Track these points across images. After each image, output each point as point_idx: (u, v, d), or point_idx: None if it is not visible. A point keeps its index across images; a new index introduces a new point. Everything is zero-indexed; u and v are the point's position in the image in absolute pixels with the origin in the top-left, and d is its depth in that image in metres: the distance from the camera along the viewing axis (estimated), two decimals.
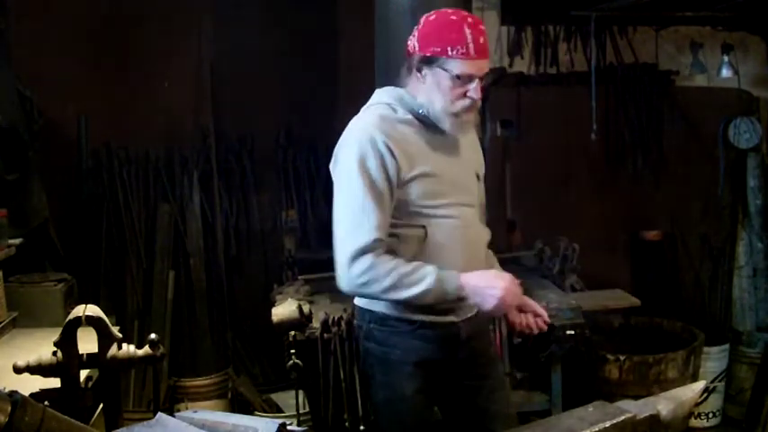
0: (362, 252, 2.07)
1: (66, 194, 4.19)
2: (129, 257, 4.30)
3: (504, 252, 3.76)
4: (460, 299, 2.12)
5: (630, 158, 4.80)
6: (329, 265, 2.23)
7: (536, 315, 2.30)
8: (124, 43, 4.25)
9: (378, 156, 2.11)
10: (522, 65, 4.70)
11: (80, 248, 4.17)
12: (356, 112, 2.30)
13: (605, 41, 4.75)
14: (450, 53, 2.09)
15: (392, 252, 2.15)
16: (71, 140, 4.20)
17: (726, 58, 4.66)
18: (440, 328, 2.22)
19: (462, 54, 2.08)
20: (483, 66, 2.13)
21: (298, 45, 4.41)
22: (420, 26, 2.17)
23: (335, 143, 2.23)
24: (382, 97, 2.26)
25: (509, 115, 4.33)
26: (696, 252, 4.91)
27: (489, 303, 2.09)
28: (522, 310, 2.29)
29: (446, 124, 2.17)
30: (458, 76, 2.10)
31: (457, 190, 2.23)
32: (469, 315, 2.27)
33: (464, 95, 2.13)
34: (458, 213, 2.21)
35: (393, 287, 2.07)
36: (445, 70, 2.11)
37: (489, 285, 2.10)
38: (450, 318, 2.23)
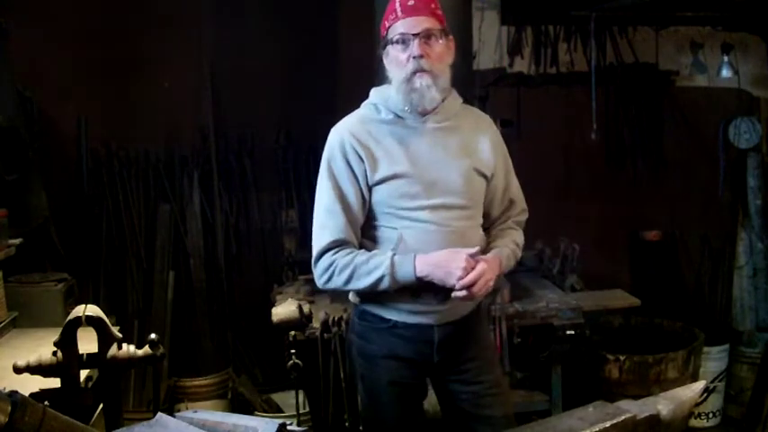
0: (324, 252, 2.16)
1: (66, 194, 4.19)
2: (129, 257, 4.30)
3: None
4: (422, 280, 2.10)
5: (630, 158, 4.81)
6: None
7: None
8: (124, 43, 4.25)
9: (344, 159, 2.16)
10: (522, 65, 4.71)
11: (80, 248, 4.18)
12: None
13: (605, 41, 4.75)
14: (386, 24, 2.19)
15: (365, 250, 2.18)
16: (71, 140, 4.21)
17: (726, 58, 4.66)
18: (414, 329, 2.23)
19: (393, 19, 2.17)
20: (414, 22, 2.13)
21: (298, 45, 4.42)
22: None
23: None
24: (372, 97, 2.30)
25: (509, 115, 4.33)
26: (696, 252, 4.91)
27: (455, 276, 2.07)
28: None
29: (403, 96, 2.17)
30: (397, 41, 2.15)
31: (437, 192, 2.18)
32: (449, 320, 2.24)
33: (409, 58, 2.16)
34: (435, 217, 2.18)
35: (350, 278, 2.14)
36: (390, 42, 2.18)
37: (450, 259, 2.09)
38: (425, 320, 2.22)
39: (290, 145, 4.52)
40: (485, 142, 2.30)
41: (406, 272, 2.10)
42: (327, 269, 2.15)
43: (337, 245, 2.15)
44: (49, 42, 4.07)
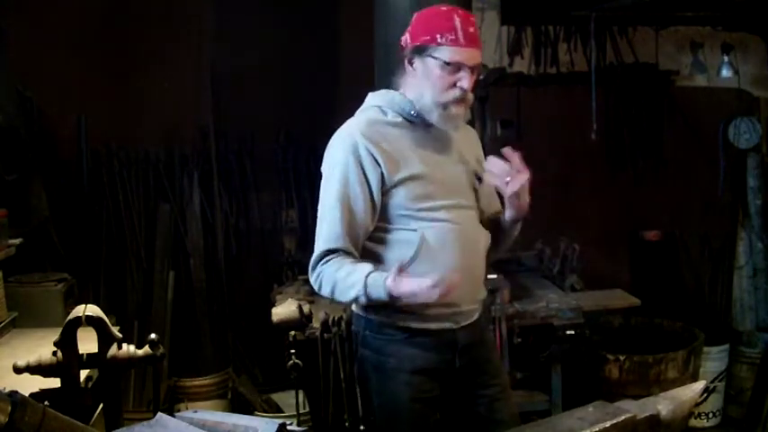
0: (319, 259, 2.13)
1: (66, 194, 4.19)
2: (129, 257, 4.30)
3: None
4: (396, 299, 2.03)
5: (630, 158, 4.81)
6: None
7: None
8: (124, 43, 4.25)
9: (358, 163, 2.11)
10: (522, 65, 4.70)
11: (80, 248, 4.17)
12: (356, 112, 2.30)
13: (605, 41, 4.75)
14: (439, 40, 2.09)
15: (377, 257, 2.15)
16: (71, 140, 4.20)
17: (726, 58, 4.66)
18: (436, 335, 2.20)
19: (451, 41, 2.08)
20: (473, 55, 2.11)
21: (298, 45, 4.41)
22: (412, 21, 2.19)
23: None
24: (374, 100, 2.26)
25: (509, 115, 4.33)
26: (696, 252, 4.91)
27: (434, 296, 1.97)
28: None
29: (434, 116, 2.15)
30: (447, 63, 2.08)
31: (449, 192, 2.19)
32: (468, 322, 2.24)
33: (454, 85, 2.11)
34: (451, 216, 2.18)
35: (333, 292, 2.12)
36: (435, 58, 2.10)
37: (421, 289, 1.98)
38: (447, 324, 2.20)
39: (290, 145, 4.52)
40: (476, 149, 2.38)
41: (378, 295, 2.04)
42: (317, 279, 2.14)
43: (330, 253, 2.11)
44: (48, 42, 4.06)
